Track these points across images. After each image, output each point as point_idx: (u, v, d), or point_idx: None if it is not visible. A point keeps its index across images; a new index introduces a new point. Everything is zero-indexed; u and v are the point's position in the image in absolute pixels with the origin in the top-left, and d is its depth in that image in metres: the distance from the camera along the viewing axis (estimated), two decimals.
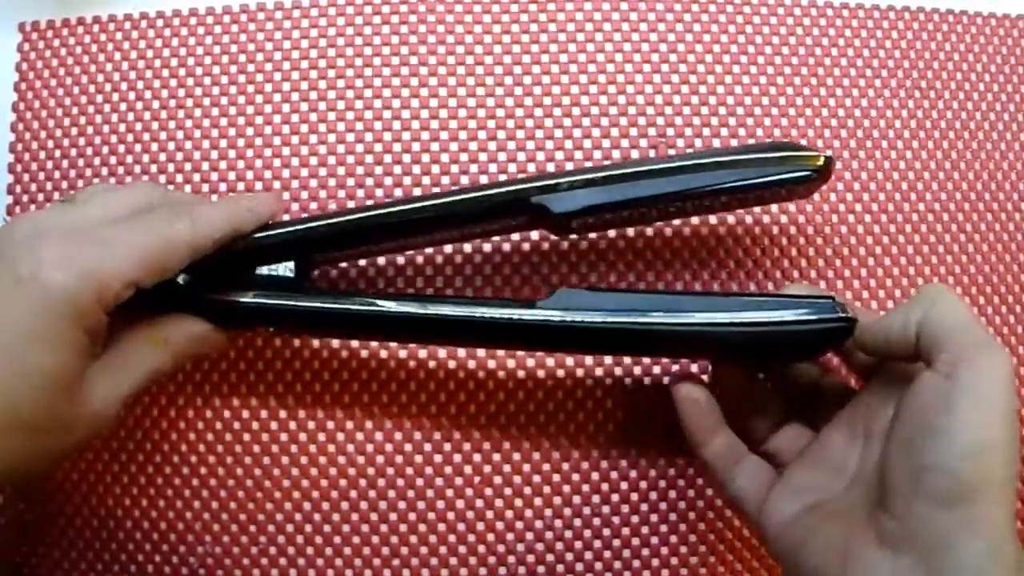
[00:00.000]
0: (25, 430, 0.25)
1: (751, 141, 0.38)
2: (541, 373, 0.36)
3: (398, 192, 0.37)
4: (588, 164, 0.37)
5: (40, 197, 0.37)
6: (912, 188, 0.38)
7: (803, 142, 0.38)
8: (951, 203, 0.38)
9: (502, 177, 0.37)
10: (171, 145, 0.37)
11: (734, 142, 0.38)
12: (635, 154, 0.37)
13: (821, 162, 0.31)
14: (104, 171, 0.37)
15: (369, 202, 0.37)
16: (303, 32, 0.38)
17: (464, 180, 0.37)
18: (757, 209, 0.37)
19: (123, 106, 0.38)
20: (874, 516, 0.25)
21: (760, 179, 0.31)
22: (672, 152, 0.37)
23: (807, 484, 0.29)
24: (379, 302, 0.30)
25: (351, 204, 0.37)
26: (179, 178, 0.37)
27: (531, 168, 0.37)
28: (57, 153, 0.38)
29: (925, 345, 0.26)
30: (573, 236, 0.37)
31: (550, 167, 0.37)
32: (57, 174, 0.37)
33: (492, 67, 0.38)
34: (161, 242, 0.27)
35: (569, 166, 0.37)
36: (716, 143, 0.38)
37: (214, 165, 0.37)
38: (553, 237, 0.36)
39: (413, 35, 0.38)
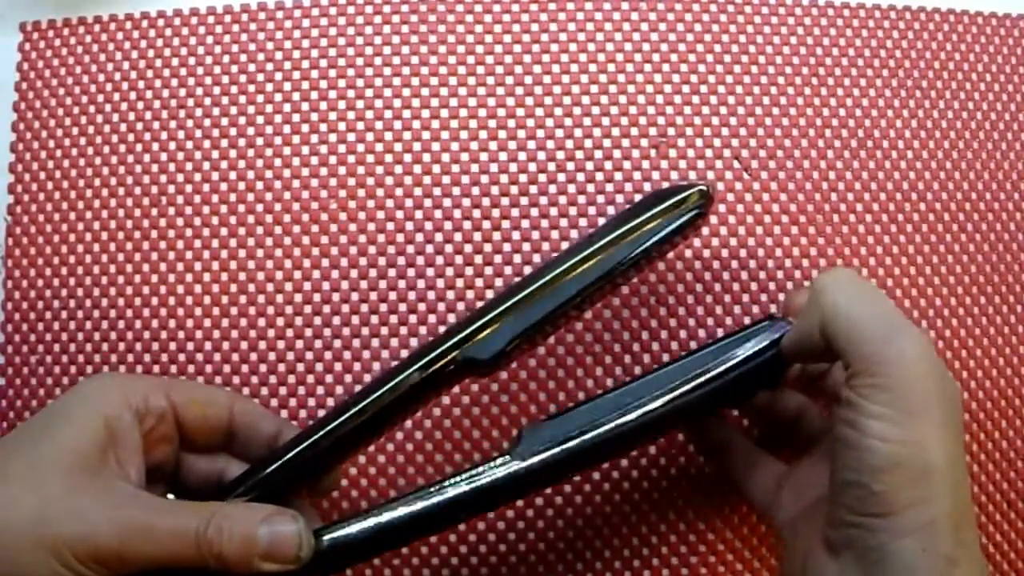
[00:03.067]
0: None
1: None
2: (543, 373, 0.36)
3: (399, 192, 0.37)
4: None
5: (40, 197, 0.37)
6: (912, 188, 0.38)
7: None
8: (951, 203, 0.38)
9: (503, 178, 0.37)
10: (171, 145, 0.37)
11: (735, 142, 0.38)
12: (636, 154, 0.37)
13: (701, 195, 0.30)
14: (104, 171, 0.37)
15: (372, 204, 0.37)
16: (304, 32, 0.38)
17: (465, 180, 0.37)
18: (760, 210, 0.37)
19: (123, 106, 0.38)
20: (824, 525, 0.26)
21: (660, 234, 0.30)
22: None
23: (809, 483, 0.29)
24: (386, 514, 0.28)
25: (352, 204, 0.37)
26: (180, 178, 0.37)
27: (531, 168, 0.37)
28: (58, 153, 0.38)
29: (837, 350, 0.25)
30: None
31: (551, 167, 0.37)
32: (58, 174, 0.37)
33: (493, 67, 0.38)
34: None
35: (570, 166, 0.37)
36: (716, 143, 0.38)
37: (215, 165, 0.37)
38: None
39: (414, 35, 0.38)
